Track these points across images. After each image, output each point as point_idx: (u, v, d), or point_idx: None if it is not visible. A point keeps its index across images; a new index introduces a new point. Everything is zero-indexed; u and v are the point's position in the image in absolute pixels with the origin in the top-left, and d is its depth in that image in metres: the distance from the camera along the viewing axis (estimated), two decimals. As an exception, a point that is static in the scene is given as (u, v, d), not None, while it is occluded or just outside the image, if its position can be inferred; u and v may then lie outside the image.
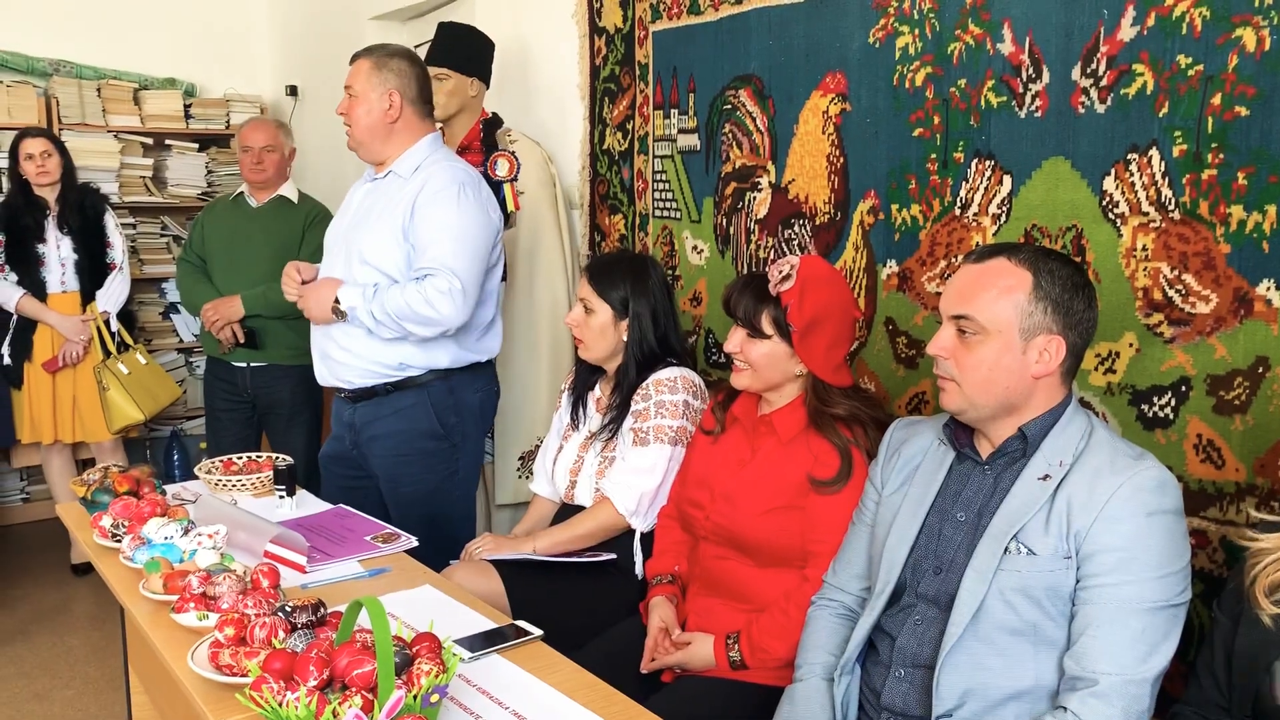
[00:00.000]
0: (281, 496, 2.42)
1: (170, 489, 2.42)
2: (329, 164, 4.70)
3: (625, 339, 2.35)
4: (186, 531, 1.97)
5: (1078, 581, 1.46)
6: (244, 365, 3.75)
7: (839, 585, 1.81)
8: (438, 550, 2.35)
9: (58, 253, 3.96)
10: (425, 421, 2.60)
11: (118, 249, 4.08)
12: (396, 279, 2.50)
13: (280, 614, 1.53)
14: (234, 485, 2.51)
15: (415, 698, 1.31)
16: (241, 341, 3.66)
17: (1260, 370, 1.68)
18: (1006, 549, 1.50)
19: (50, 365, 3.92)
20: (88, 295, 4.00)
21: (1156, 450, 1.74)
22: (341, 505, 2.44)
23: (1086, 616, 1.44)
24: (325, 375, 2.67)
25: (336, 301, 2.49)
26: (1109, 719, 1.39)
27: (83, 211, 4.00)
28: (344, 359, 2.59)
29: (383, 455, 2.64)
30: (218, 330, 3.65)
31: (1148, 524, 1.44)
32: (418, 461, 2.63)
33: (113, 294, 4.03)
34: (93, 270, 4.00)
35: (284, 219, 3.77)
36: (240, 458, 2.66)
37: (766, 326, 1.99)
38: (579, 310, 2.38)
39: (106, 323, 3.99)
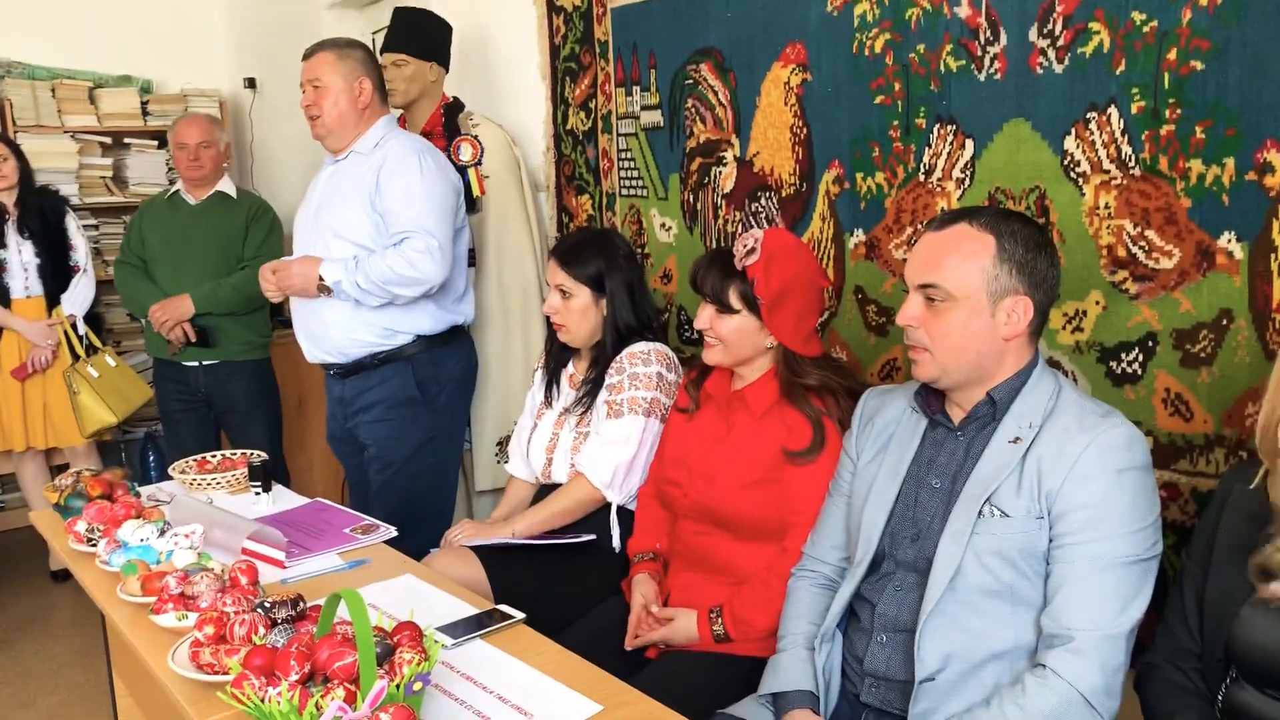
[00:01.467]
0: (258, 493, 2.41)
1: (145, 490, 2.40)
2: (290, 154, 4.66)
3: (605, 317, 2.35)
4: (162, 533, 1.96)
5: (1051, 541, 1.48)
6: (195, 364, 3.68)
7: (818, 556, 1.82)
8: (414, 528, 2.39)
9: (19, 258, 3.89)
10: (406, 389, 2.72)
11: (81, 251, 4.02)
12: (372, 249, 2.59)
13: (259, 610, 1.52)
14: (209, 484, 2.49)
15: (398, 687, 1.30)
16: (193, 340, 3.62)
17: (1224, 322, 1.70)
18: (980, 513, 1.51)
19: (19, 373, 3.86)
20: (53, 299, 3.93)
21: (1126, 406, 1.76)
22: (319, 499, 2.43)
23: (1061, 575, 1.46)
24: (313, 352, 2.77)
25: (321, 279, 2.57)
26: (1086, 674, 1.40)
27: (43, 215, 3.94)
28: (327, 333, 2.69)
29: (369, 423, 2.75)
30: (168, 330, 3.60)
31: (1117, 480, 1.45)
32: (397, 426, 2.73)
33: (78, 297, 3.97)
34: (56, 274, 3.94)
35: (225, 215, 3.73)
36: (214, 456, 2.64)
37: (735, 301, 1.98)
38: (555, 297, 2.36)
39: (73, 326, 3.94)
